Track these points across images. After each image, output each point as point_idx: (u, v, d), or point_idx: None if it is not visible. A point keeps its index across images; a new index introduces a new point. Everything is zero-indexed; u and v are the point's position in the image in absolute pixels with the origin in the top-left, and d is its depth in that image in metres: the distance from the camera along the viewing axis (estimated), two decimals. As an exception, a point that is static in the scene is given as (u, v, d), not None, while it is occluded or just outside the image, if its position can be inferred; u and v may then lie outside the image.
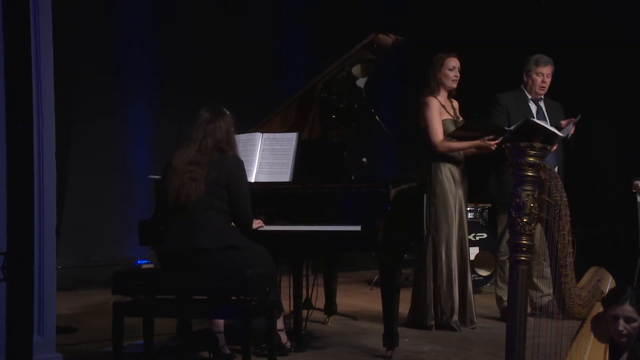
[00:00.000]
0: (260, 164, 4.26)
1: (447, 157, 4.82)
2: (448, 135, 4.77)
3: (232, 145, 3.76)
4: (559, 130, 4.76)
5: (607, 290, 3.16)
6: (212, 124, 3.72)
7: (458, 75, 4.87)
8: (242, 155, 4.05)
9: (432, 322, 4.77)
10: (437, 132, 4.79)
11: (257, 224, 3.92)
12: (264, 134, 4.35)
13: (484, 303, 5.58)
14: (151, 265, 6.36)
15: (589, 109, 6.41)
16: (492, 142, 4.66)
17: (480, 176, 5.25)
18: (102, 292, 5.87)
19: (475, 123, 4.70)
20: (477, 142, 4.71)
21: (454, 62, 4.86)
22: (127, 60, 6.89)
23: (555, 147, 4.90)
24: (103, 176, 6.79)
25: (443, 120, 4.83)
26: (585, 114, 4.87)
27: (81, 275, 6.54)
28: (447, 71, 4.85)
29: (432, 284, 4.80)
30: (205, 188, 3.61)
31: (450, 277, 4.77)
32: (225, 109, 3.81)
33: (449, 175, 4.82)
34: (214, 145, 3.69)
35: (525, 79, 5.15)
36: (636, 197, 5.48)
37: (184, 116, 4.04)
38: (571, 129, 4.86)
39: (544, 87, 5.12)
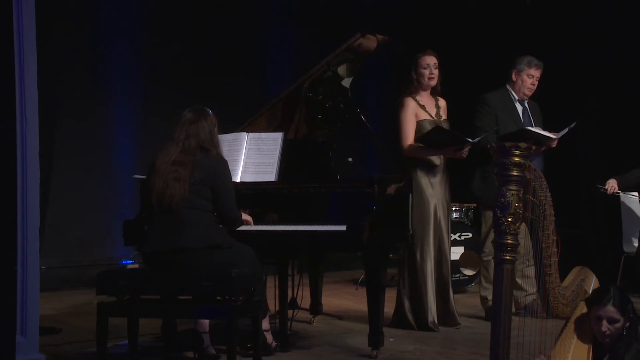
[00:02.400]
0: (245, 163, 4.25)
1: (424, 159, 4.81)
2: (416, 140, 4.77)
3: (216, 145, 3.76)
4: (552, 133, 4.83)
5: (590, 290, 3.18)
6: (194, 124, 3.71)
7: (434, 72, 4.84)
8: (228, 155, 4.04)
9: (413, 323, 4.78)
10: (407, 136, 4.78)
11: (247, 217, 3.92)
12: (250, 133, 4.35)
13: (468, 302, 5.59)
14: (136, 266, 6.32)
15: (572, 112, 6.47)
16: (459, 153, 4.70)
17: (465, 176, 5.27)
18: (86, 293, 5.84)
19: (438, 134, 4.68)
20: (442, 151, 4.76)
21: (427, 60, 4.84)
22: (112, 59, 6.85)
23: (544, 148, 4.94)
24: (87, 176, 6.75)
25: (421, 121, 4.81)
26: (574, 120, 4.91)
27: (65, 276, 6.50)
28: (422, 70, 4.84)
29: (408, 286, 4.81)
30: (189, 188, 3.60)
31: (424, 279, 4.77)
32: (208, 110, 3.81)
33: (425, 177, 4.80)
34: (197, 145, 3.68)
35: (514, 78, 5.14)
36: (619, 198, 5.52)
37: (168, 116, 4.02)
38: (564, 132, 4.89)
39: (532, 89, 5.14)
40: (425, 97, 4.89)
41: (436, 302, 4.80)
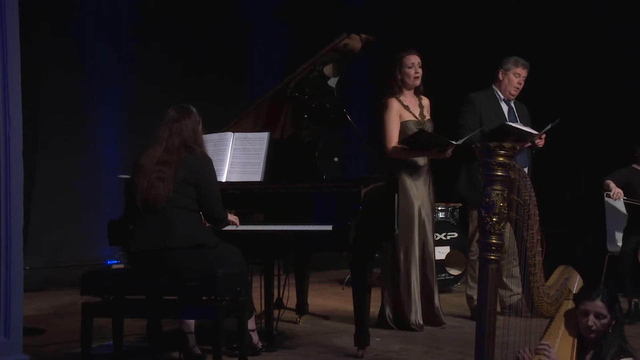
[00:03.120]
0: (231, 163, 4.24)
1: (408, 160, 4.82)
2: (400, 142, 4.78)
3: (200, 144, 3.74)
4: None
5: (574, 289, 3.20)
6: (178, 122, 3.70)
7: (419, 71, 4.85)
8: (213, 155, 4.03)
9: (394, 323, 4.79)
10: (390, 137, 4.79)
11: (233, 217, 3.91)
12: (235, 133, 4.34)
13: (454, 302, 5.61)
14: (121, 266, 6.30)
15: (557, 111, 6.50)
16: (443, 154, 4.72)
17: (451, 176, 5.28)
18: (70, 293, 5.81)
19: (423, 136, 4.70)
20: (426, 152, 4.77)
21: (412, 59, 4.84)
22: (96, 58, 6.82)
23: (528, 145, 4.97)
24: (72, 175, 6.71)
25: (405, 122, 4.82)
26: (559, 118, 4.93)
27: (49, 276, 6.46)
28: (407, 69, 4.84)
29: (391, 287, 4.82)
30: (174, 187, 3.59)
31: (408, 280, 4.78)
32: (192, 108, 3.79)
33: (410, 178, 4.81)
34: (181, 144, 3.67)
35: (501, 77, 5.16)
36: (604, 198, 5.55)
37: (153, 115, 4.00)
38: (547, 129, 4.91)
39: (518, 89, 5.16)
40: (409, 97, 4.90)
41: (421, 302, 4.81)
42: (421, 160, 4.85)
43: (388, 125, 4.80)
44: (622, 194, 5.30)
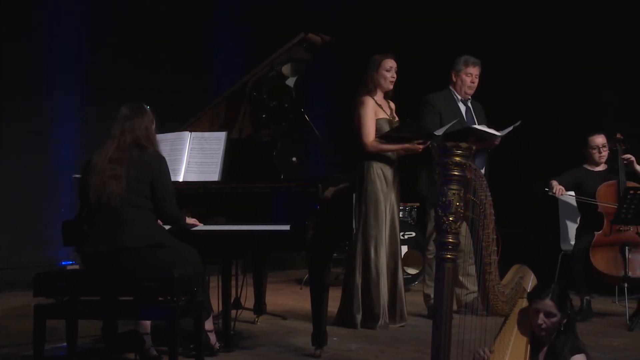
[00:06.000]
0: (188, 163, 4.21)
1: (380, 156, 4.89)
2: (380, 136, 4.84)
3: (153, 142, 3.70)
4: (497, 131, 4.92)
5: (529, 288, 3.25)
6: (130, 120, 3.66)
7: (395, 76, 4.96)
8: (170, 155, 3.99)
9: (359, 320, 4.80)
10: (369, 132, 4.84)
11: (192, 221, 3.88)
12: (193, 132, 4.30)
13: (412, 301, 5.64)
14: (76, 267, 6.20)
15: (514, 112, 6.58)
16: (420, 146, 4.78)
17: (410, 176, 5.32)
18: (24, 295, 5.69)
19: (409, 127, 4.79)
20: (407, 145, 4.83)
21: (390, 63, 4.94)
22: (51, 58, 6.72)
23: (489, 146, 5.04)
24: (26, 176, 6.60)
25: (378, 120, 4.89)
26: (519, 119, 5.00)
27: (2, 278, 6.34)
28: (384, 72, 4.92)
29: (360, 281, 4.84)
30: (127, 186, 3.54)
31: (378, 274, 4.82)
32: (145, 106, 3.75)
33: (380, 175, 4.87)
34: (133, 142, 3.63)
35: (454, 79, 5.24)
36: (552, 196, 5.62)
37: (109, 115, 3.95)
38: (509, 130, 4.98)
39: (472, 88, 5.24)
40: (380, 98, 4.99)
41: (388, 300, 4.85)
42: (393, 156, 4.92)
43: (365, 121, 4.85)
44: (564, 190, 5.42)
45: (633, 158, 5.40)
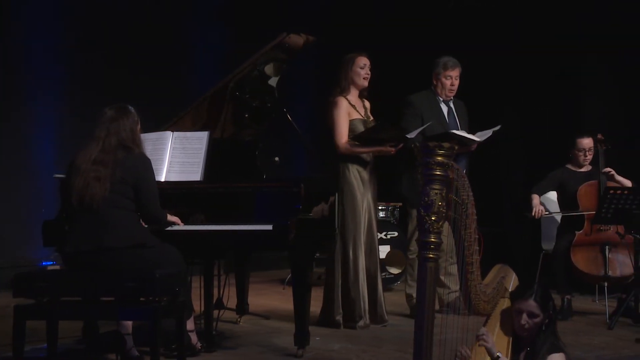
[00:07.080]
0: (170, 162, 4.19)
1: (355, 157, 4.87)
2: (353, 137, 4.83)
3: (138, 144, 3.69)
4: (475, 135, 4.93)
5: (510, 287, 3.26)
6: (115, 122, 3.64)
7: (369, 73, 4.95)
8: (152, 154, 3.97)
9: (341, 320, 4.81)
10: (342, 134, 4.84)
11: (173, 219, 3.87)
12: (175, 132, 4.29)
13: (394, 301, 5.66)
14: (57, 267, 6.16)
15: (495, 113, 6.63)
16: (392, 149, 4.79)
17: (392, 176, 5.33)
18: (4, 296, 5.63)
19: (382, 128, 4.77)
20: (379, 147, 4.83)
21: (364, 61, 4.93)
22: (32, 58, 6.66)
23: (469, 149, 5.06)
24: (6, 175, 6.55)
25: (352, 120, 4.88)
26: (499, 125, 5.02)
27: (-18, 278, 6.27)
28: (358, 69, 4.91)
29: (340, 282, 4.84)
30: (111, 187, 3.53)
31: (357, 275, 4.82)
32: (130, 107, 3.74)
33: (357, 175, 4.87)
34: (118, 143, 3.61)
35: (434, 81, 5.25)
36: (537, 218, 5.63)
37: (90, 114, 3.92)
38: (488, 135, 4.98)
39: (453, 90, 5.24)
40: (354, 98, 4.97)
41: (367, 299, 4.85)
42: (367, 157, 4.90)
43: (338, 122, 4.84)
44: (543, 210, 5.45)
45: (613, 171, 5.41)
